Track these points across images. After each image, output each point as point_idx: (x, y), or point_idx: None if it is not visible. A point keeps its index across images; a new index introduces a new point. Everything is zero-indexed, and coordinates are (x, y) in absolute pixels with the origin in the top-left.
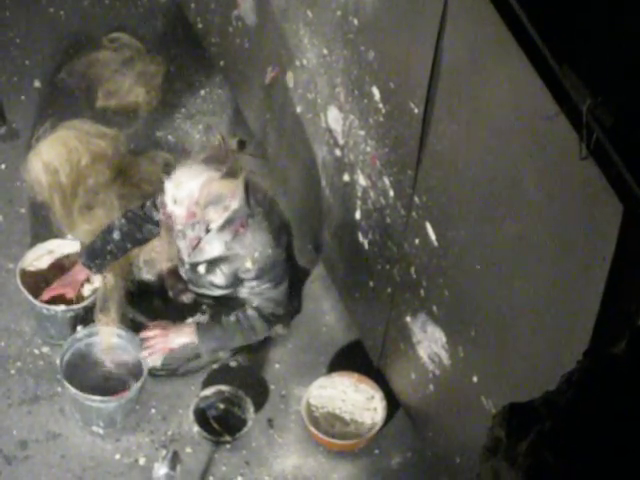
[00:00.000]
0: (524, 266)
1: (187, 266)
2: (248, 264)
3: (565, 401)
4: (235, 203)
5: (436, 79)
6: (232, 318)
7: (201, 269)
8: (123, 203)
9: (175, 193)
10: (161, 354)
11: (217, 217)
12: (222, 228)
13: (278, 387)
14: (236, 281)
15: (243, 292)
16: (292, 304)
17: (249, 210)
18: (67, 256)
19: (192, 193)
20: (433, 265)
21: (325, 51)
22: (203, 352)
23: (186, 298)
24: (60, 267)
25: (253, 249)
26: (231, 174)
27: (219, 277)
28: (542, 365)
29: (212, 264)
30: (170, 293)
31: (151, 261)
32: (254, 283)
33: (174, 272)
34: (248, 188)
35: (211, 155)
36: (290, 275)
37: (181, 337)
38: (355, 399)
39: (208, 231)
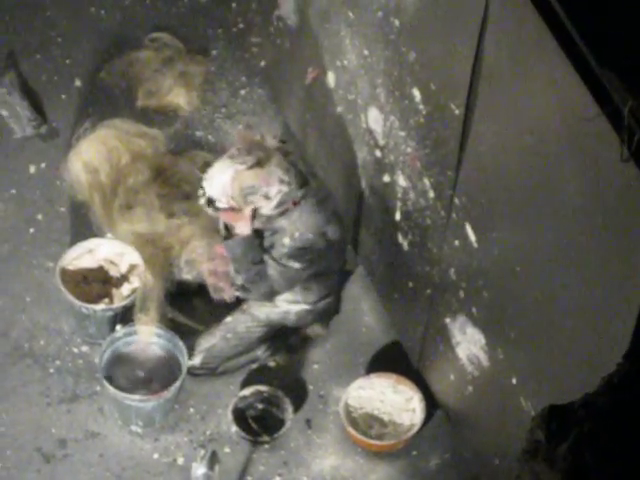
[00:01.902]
0: (564, 267)
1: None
2: (286, 239)
3: (605, 403)
4: (274, 189)
5: (477, 80)
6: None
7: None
8: (162, 202)
9: (210, 192)
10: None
11: (264, 204)
12: (274, 210)
13: (317, 388)
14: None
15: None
16: (328, 300)
17: (300, 193)
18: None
19: (225, 189)
20: (473, 267)
21: (366, 52)
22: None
23: (227, 297)
24: (99, 266)
25: (295, 228)
26: (259, 163)
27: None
28: (582, 367)
29: (269, 236)
30: (211, 292)
31: (192, 262)
32: (284, 258)
33: (215, 272)
34: (297, 174)
35: (237, 149)
36: (329, 268)
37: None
38: (394, 400)
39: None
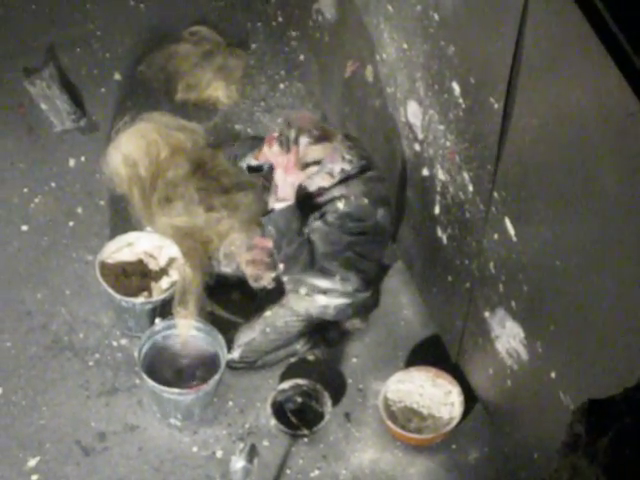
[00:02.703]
0: (604, 262)
1: None
2: (340, 204)
3: None
4: (337, 167)
5: (516, 74)
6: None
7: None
8: (202, 196)
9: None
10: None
11: (325, 182)
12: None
13: (356, 381)
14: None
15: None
16: (366, 294)
17: (360, 165)
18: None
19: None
20: (512, 260)
21: (405, 45)
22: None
23: (267, 282)
24: (139, 259)
25: (352, 193)
26: (324, 139)
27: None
28: (622, 361)
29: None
30: (251, 281)
31: (231, 255)
32: (333, 220)
33: (254, 261)
34: (358, 153)
35: (301, 125)
36: (371, 254)
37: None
38: (433, 394)
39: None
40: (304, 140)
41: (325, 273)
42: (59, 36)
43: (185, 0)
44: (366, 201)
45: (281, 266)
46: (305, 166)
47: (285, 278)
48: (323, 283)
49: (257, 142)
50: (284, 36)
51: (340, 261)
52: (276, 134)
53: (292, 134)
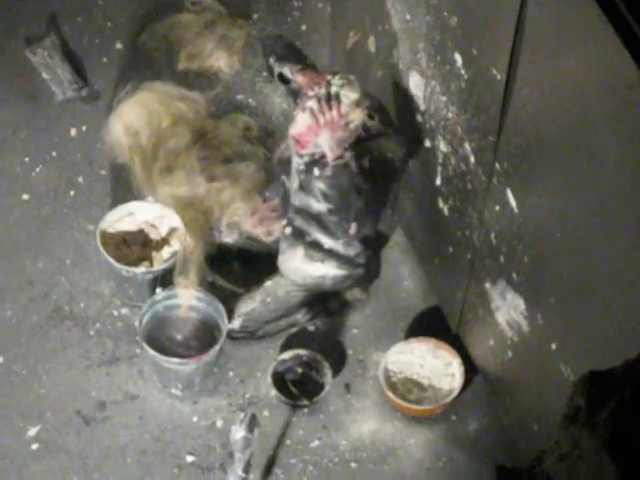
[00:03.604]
0: (604, 233)
1: (302, 167)
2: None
3: None
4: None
5: (519, 45)
6: None
7: (315, 171)
8: (203, 166)
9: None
10: None
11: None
12: None
13: (356, 352)
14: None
15: None
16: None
17: (375, 127)
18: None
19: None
20: (513, 232)
21: (408, 16)
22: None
23: (279, 233)
24: (140, 229)
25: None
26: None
27: (327, 185)
28: (622, 333)
29: (325, 168)
30: (264, 238)
31: (233, 224)
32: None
33: (261, 221)
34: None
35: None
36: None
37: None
38: (433, 365)
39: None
40: (347, 98)
41: (330, 231)
42: (61, 5)
43: None
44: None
45: (353, 226)
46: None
47: (287, 230)
48: (327, 241)
49: (300, 56)
50: (286, 6)
51: (345, 226)
52: (311, 92)
53: (333, 89)
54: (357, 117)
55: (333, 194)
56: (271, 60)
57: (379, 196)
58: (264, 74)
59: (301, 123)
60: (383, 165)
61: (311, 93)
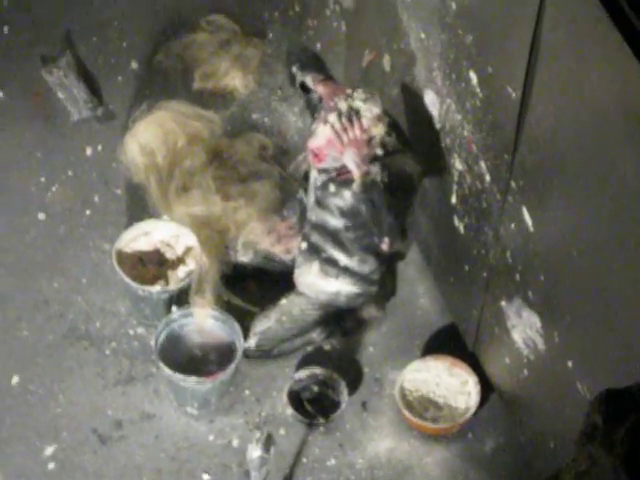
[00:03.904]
0: (621, 251)
1: (319, 183)
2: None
3: None
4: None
5: (534, 63)
6: None
7: (331, 187)
8: (219, 185)
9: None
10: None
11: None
12: None
13: (372, 370)
14: (358, 211)
15: None
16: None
17: (392, 144)
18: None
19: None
20: (529, 250)
21: (423, 35)
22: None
23: (297, 249)
24: (155, 248)
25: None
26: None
27: (344, 201)
28: (638, 351)
29: (342, 185)
30: (283, 257)
31: (249, 243)
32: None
33: (279, 239)
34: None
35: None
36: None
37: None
38: (449, 383)
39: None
40: (369, 113)
41: (345, 248)
42: (76, 24)
43: None
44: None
45: (386, 240)
46: (371, 139)
47: (303, 245)
48: (342, 258)
49: (323, 67)
50: (301, 25)
51: (361, 243)
52: (332, 103)
53: (356, 103)
54: (378, 132)
55: (361, 210)
56: (294, 68)
57: (398, 213)
58: (279, 93)
59: (322, 136)
60: (401, 181)
61: (332, 104)
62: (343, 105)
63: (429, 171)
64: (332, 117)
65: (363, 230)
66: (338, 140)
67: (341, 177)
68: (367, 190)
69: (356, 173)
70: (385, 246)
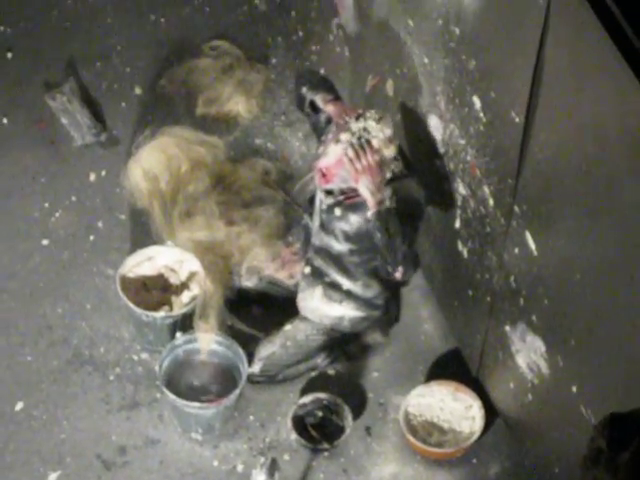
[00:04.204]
0: (624, 275)
1: (324, 206)
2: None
3: None
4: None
5: (537, 88)
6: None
7: (337, 212)
8: (222, 210)
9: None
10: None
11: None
12: None
13: (376, 395)
14: (364, 236)
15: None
16: (383, 305)
17: (398, 168)
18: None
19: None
20: (533, 274)
21: (426, 60)
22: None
23: (300, 274)
24: (159, 273)
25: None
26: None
27: (350, 225)
28: None
29: (348, 209)
30: (287, 282)
31: (253, 269)
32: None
33: (282, 265)
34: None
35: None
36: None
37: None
38: (453, 408)
39: None
40: (382, 134)
41: (349, 273)
42: (79, 50)
43: (205, 15)
44: (415, 195)
45: (400, 268)
46: (383, 163)
47: (307, 270)
48: (345, 282)
49: (332, 88)
50: (304, 50)
51: (365, 268)
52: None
53: (368, 124)
54: (389, 154)
55: (377, 238)
56: (304, 89)
57: (410, 240)
58: (283, 118)
59: (332, 155)
60: (408, 206)
61: (343, 123)
62: (355, 125)
63: (433, 196)
64: (344, 136)
65: (368, 254)
66: (352, 168)
67: (348, 201)
68: (383, 218)
69: (371, 202)
70: (399, 275)
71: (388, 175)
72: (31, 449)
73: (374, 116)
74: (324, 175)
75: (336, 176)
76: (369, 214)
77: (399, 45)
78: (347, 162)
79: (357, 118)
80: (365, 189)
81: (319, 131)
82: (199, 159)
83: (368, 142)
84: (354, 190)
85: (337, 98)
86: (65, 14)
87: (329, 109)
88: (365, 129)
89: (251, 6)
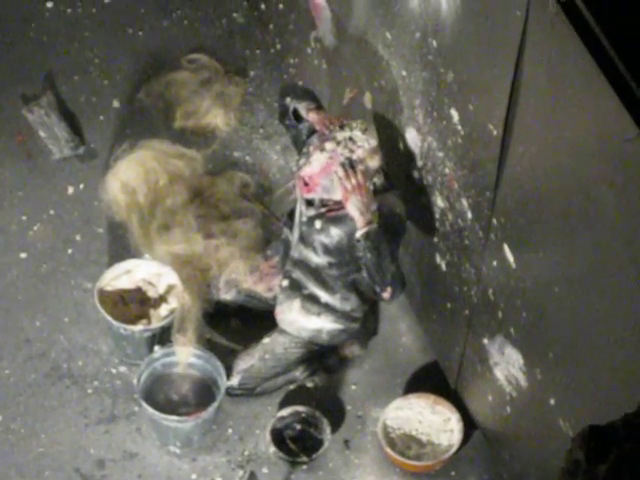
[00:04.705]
0: (603, 288)
1: (304, 218)
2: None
3: None
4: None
5: (515, 101)
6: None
7: (317, 224)
8: (200, 223)
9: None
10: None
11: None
12: None
13: (355, 408)
14: (344, 249)
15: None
16: (359, 318)
17: (379, 183)
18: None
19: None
20: (511, 287)
21: (404, 72)
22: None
23: (278, 287)
24: (137, 287)
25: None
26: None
27: (330, 238)
28: (621, 388)
29: (329, 222)
30: (265, 294)
31: (231, 282)
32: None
33: (261, 277)
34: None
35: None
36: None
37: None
38: (432, 421)
39: None
40: (366, 144)
41: (328, 286)
42: (57, 64)
43: (183, 28)
44: (397, 210)
45: (389, 289)
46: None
47: (285, 283)
48: (323, 295)
49: (315, 99)
50: (282, 63)
51: (344, 281)
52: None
53: (354, 134)
54: (374, 165)
55: (367, 258)
56: (287, 99)
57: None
58: (261, 131)
59: (316, 164)
60: (390, 221)
61: (328, 132)
62: (340, 134)
63: (411, 209)
64: (329, 145)
65: (347, 267)
66: (342, 187)
67: (330, 213)
68: (372, 238)
69: (360, 221)
70: (387, 295)
71: (371, 188)
72: (9, 462)
73: (360, 126)
74: (306, 184)
75: (319, 186)
76: (358, 234)
77: (377, 58)
78: (337, 181)
79: (342, 127)
80: (354, 209)
81: (300, 144)
82: (177, 172)
83: (354, 143)
84: (336, 202)
85: (320, 107)
86: (43, 27)
87: (311, 117)
88: (351, 139)
89: (229, 19)
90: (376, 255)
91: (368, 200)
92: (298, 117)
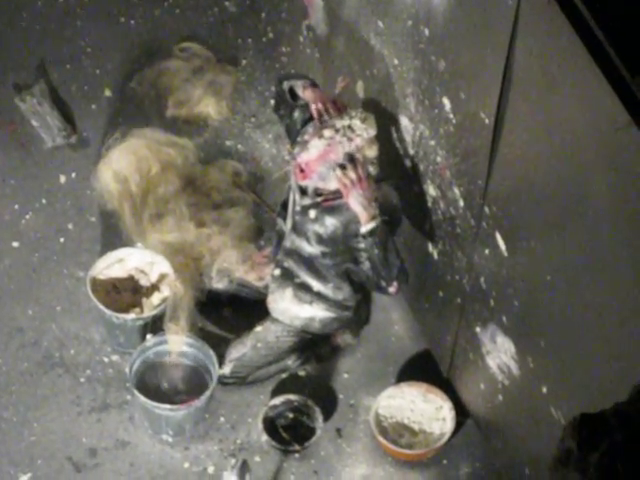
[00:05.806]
0: (594, 276)
1: (298, 208)
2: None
3: (636, 412)
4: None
5: (507, 89)
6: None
7: (312, 214)
8: (192, 212)
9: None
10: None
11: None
12: None
13: (347, 397)
14: (338, 239)
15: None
16: (352, 306)
17: (379, 173)
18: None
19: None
20: (503, 275)
21: (396, 61)
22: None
23: (270, 275)
24: (130, 275)
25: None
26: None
27: (324, 228)
28: (613, 376)
29: (324, 212)
30: (257, 284)
31: (224, 270)
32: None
33: (253, 267)
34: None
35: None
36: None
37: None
38: (424, 409)
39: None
40: (365, 133)
41: (320, 275)
42: (49, 53)
43: (175, 17)
44: (394, 201)
45: (395, 284)
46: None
47: (277, 272)
48: (315, 284)
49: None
50: (274, 52)
51: (337, 270)
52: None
53: (353, 122)
54: (371, 154)
55: (374, 254)
56: (285, 83)
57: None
58: (253, 120)
59: (314, 150)
60: (387, 212)
61: (327, 119)
62: (339, 122)
63: (403, 198)
64: (328, 132)
65: (340, 257)
66: (341, 182)
67: (326, 203)
68: (377, 234)
69: (364, 217)
70: (393, 290)
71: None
72: (1, 451)
73: (359, 115)
74: (302, 170)
75: (315, 173)
76: (363, 230)
77: (369, 46)
78: (337, 177)
79: (341, 115)
80: (357, 203)
81: (294, 134)
82: (169, 161)
83: (353, 131)
84: (332, 192)
85: (315, 85)
86: (35, 16)
87: (307, 95)
88: (350, 127)
89: (221, 8)
90: (383, 250)
91: (370, 193)
92: (294, 96)
